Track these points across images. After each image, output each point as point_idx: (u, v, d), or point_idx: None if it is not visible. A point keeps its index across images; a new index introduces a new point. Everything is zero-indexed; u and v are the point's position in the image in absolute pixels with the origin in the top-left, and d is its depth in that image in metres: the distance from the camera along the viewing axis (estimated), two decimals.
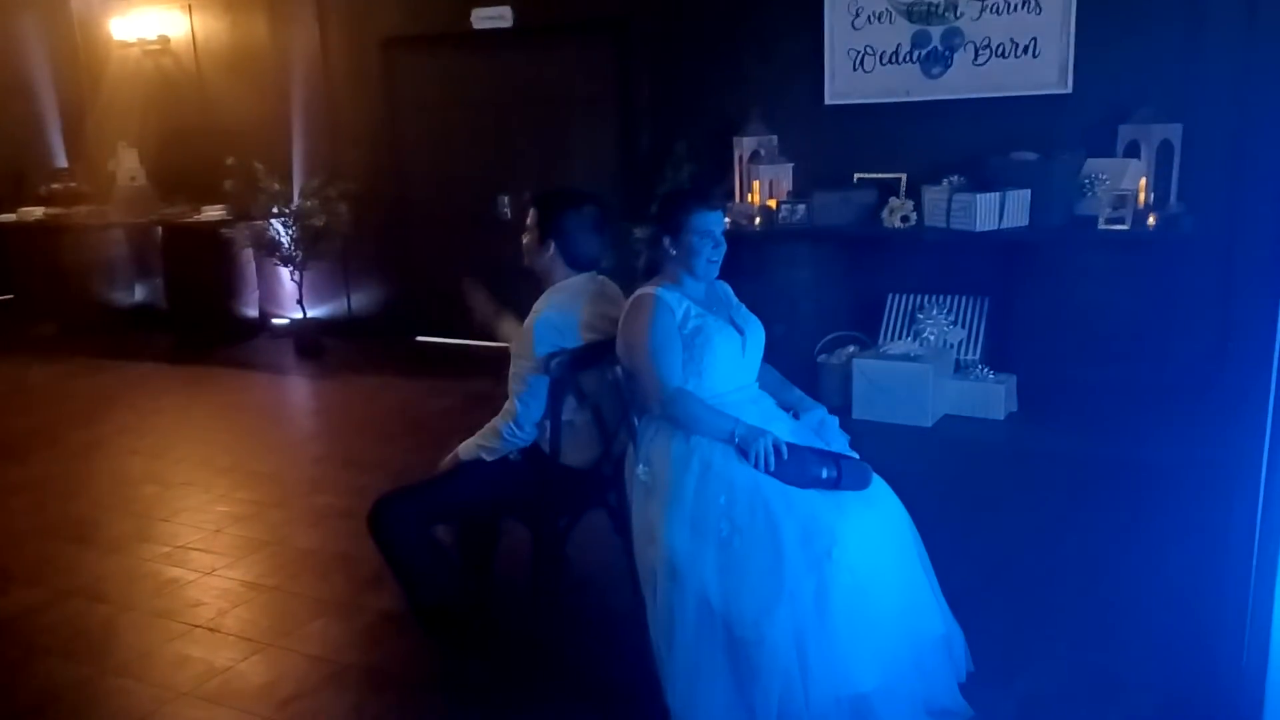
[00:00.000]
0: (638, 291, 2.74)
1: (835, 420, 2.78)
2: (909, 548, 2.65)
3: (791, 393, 2.91)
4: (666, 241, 2.71)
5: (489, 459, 2.90)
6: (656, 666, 2.57)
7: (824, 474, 2.53)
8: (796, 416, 2.77)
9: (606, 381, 2.82)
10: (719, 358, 2.69)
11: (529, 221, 2.96)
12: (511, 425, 2.84)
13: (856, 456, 2.63)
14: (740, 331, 2.76)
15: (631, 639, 2.80)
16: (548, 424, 2.82)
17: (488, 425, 2.91)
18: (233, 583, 3.63)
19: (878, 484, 2.66)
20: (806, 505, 2.50)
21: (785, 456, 2.52)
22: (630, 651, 2.82)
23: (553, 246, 2.89)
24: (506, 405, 2.87)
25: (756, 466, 2.51)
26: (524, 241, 2.98)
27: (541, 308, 2.87)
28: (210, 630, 3.29)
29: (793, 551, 2.46)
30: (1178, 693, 2.72)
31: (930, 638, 2.64)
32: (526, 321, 2.86)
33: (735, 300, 2.90)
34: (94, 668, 3.09)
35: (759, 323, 2.84)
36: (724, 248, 2.74)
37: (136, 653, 3.18)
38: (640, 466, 2.67)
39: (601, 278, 3.00)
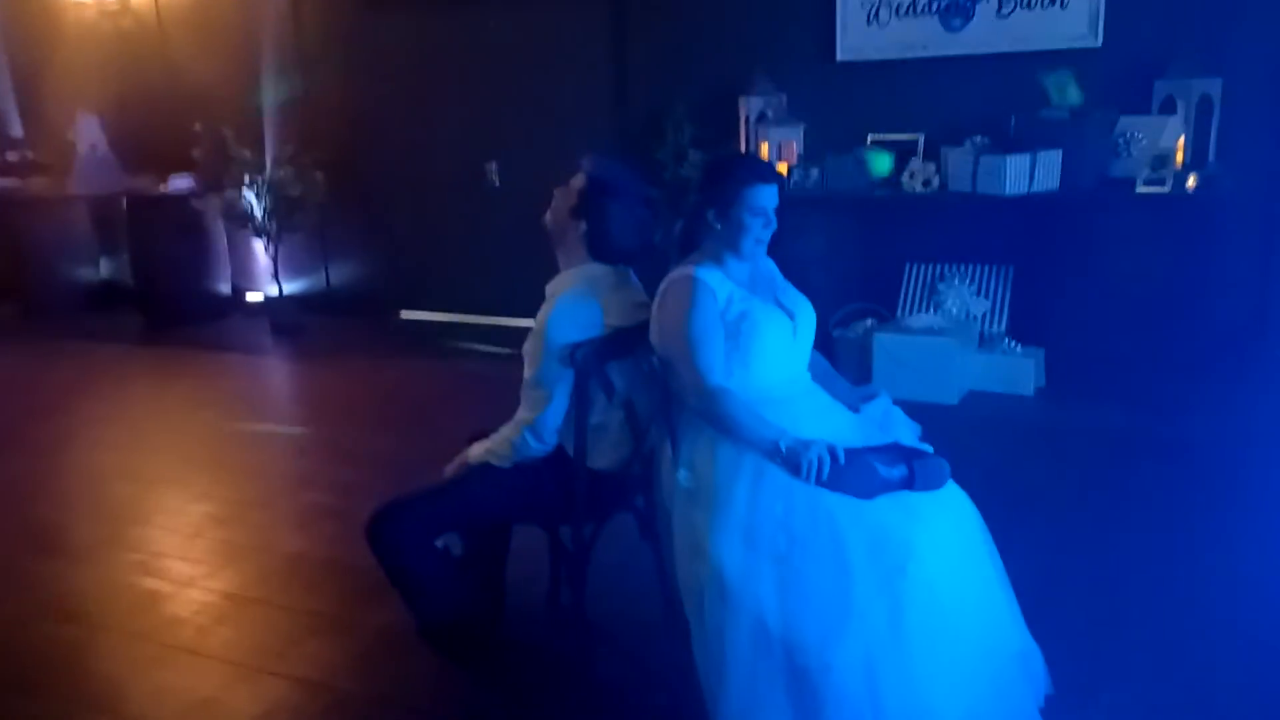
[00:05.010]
0: (674, 272, 2.41)
1: (900, 410, 2.47)
2: (984, 555, 2.35)
3: (838, 383, 2.60)
4: (711, 215, 2.37)
5: (502, 465, 2.56)
6: (705, 697, 2.27)
7: (895, 476, 2.21)
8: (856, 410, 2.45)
9: (640, 373, 2.48)
10: (768, 346, 2.37)
11: (572, 183, 2.60)
12: (527, 436, 2.50)
13: (930, 450, 2.32)
14: (790, 315, 2.44)
15: (666, 656, 2.51)
16: (571, 426, 2.49)
17: (498, 434, 2.57)
18: (214, 595, 3.29)
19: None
20: (875, 513, 2.20)
21: (843, 463, 2.20)
22: (667, 671, 2.53)
23: (582, 226, 2.54)
24: (520, 413, 2.53)
25: (808, 480, 2.19)
26: (555, 198, 2.63)
27: (554, 302, 2.52)
28: (191, 653, 2.95)
29: (861, 567, 2.16)
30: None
31: (1008, 655, 2.36)
32: (538, 319, 2.51)
33: (781, 279, 2.57)
34: (61, 702, 2.74)
35: (809, 303, 2.52)
36: (774, 226, 2.40)
37: (110, 682, 2.83)
38: (681, 471, 2.35)
39: (625, 270, 2.65)
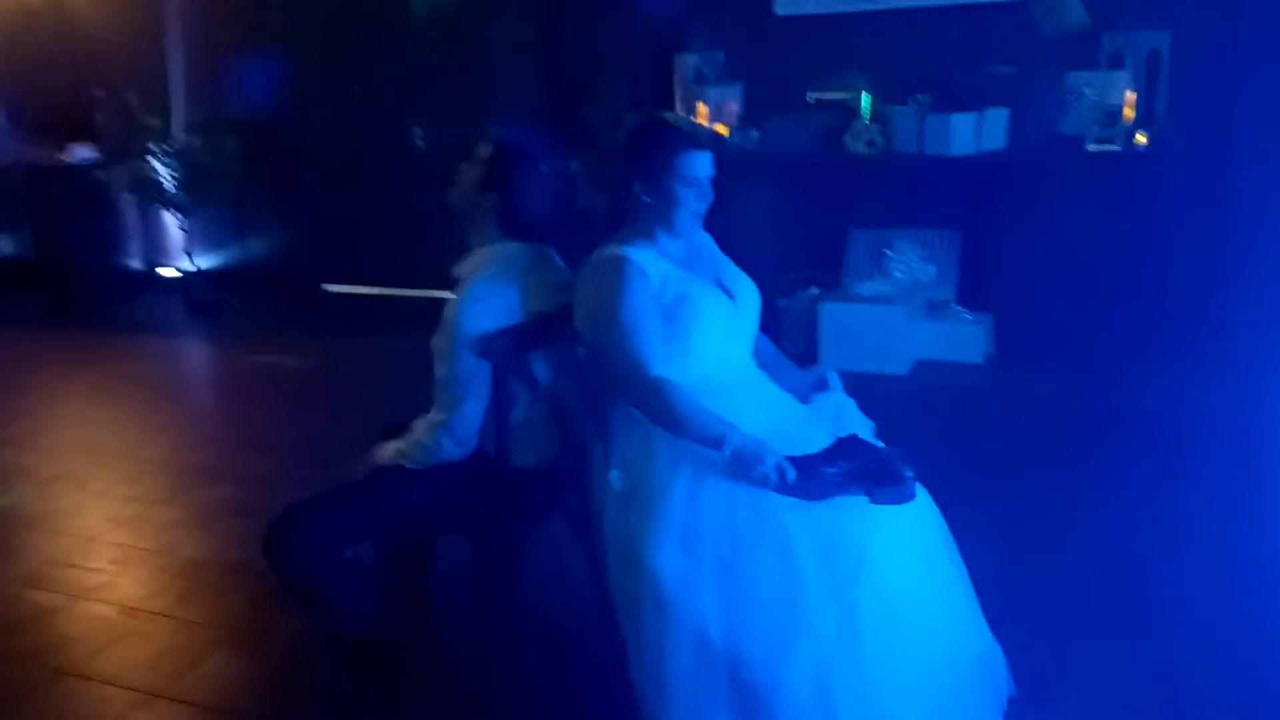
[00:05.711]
0: (601, 251, 2.16)
1: (854, 404, 2.26)
2: (943, 554, 2.17)
3: (785, 369, 2.38)
4: (639, 187, 2.13)
5: (415, 468, 2.31)
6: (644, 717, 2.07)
7: (850, 485, 1.99)
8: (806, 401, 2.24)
9: (566, 363, 2.25)
10: (708, 331, 2.15)
11: (479, 153, 2.35)
12: (442, 439, 2.26)
13: (882, 448, 2.11)
14: (730, 295, 2.21)
15: (604, 660, 2.29)
16: (490, 423, 2.25)
17: (410, 433, 2.32)
18: (110, 609, 3.00)
19: None
20: (827, 514, 2.00)
21: (792, 480, 1.98)
22: (604, 675, 2.31)
23: (491, 200, 2.29)
24: (432, 414, 2.28)
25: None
26: (462, 172, 2.38)
27: (465, 288, 2.26)
28: (82, 678, 2.66)
29: (812, 573, 1.96)
30: (1258, 695, 2.32)
31: (968, 659, 2.18)
32: (447, 311, 2.26)
33: (721, 255, 2.34)
34: None
35: (751, 282, 2.29)
36: (710, 197, 2.17)
37: None
38: (613, 471, 2.12)
39: (542, 247, 2.41)
